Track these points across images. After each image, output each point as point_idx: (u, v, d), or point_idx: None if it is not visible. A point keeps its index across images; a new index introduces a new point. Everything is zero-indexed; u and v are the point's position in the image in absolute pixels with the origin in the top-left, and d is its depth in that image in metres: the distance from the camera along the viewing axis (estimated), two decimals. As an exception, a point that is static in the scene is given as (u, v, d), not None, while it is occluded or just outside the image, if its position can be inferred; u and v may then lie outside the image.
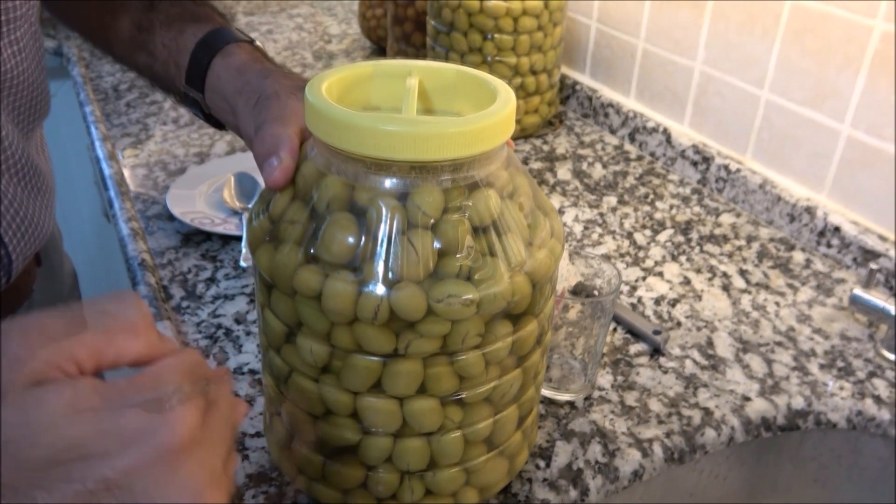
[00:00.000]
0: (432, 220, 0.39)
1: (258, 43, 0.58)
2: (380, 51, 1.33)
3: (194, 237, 0.79)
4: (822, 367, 0.65)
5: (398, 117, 0.40)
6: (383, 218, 0.39)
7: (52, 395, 0.26)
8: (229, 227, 0.79)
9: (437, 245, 0.39)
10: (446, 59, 0.99)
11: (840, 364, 0.65)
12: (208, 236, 0.79)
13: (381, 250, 0.39)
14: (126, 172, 0.92)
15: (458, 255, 0.39)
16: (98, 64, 1.24)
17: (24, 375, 0.27)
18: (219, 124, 0.59)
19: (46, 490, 0.25)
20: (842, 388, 0.63)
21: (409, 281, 0.39)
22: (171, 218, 0.81)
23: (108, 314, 0.29)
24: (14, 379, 0.26)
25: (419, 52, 1.15)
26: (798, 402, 0.61)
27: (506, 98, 0.41)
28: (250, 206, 0.82)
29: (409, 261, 0.39)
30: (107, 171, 0.92)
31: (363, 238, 0.39)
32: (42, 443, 0.26)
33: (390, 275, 0.39)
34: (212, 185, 0.87)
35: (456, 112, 0.46)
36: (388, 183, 0.39)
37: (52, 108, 0.61)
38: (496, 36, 0.94)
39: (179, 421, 0.27)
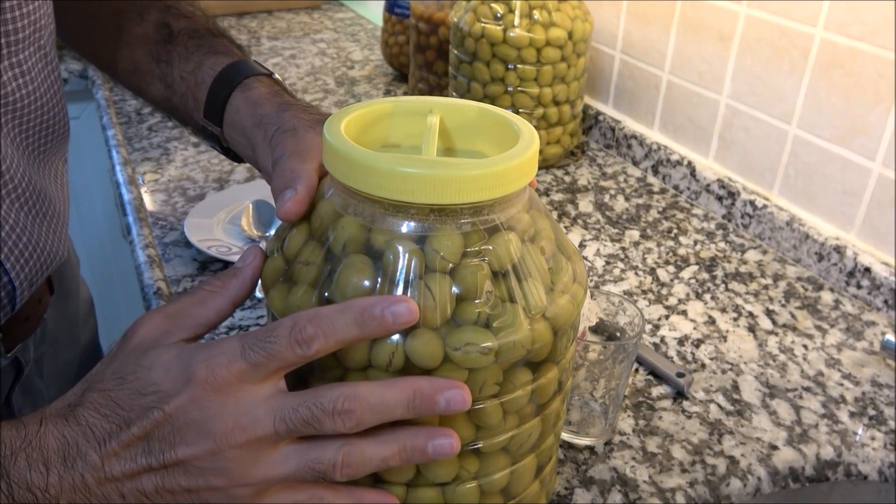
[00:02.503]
0: (451, 265, 0.38)
1: (277, 75, 0.57)
2: (402, 78, 1.33)
3: (211, 265, 0.78)
4: (852, 414, 0.63)
5: (417, 159, 0.39)
6: (400, 261, 0.38)
7: (157, 354, 0.38)
8: (246, 256, 0.78)
9: (455, 290, 0.38)
10: (468, 88, 0.98)
11: (871, 412, 0.63)
12: (225, 264, 0.78)
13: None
14: (145, 197, 0.92)
15: (476, 301, 0.38)
16: (122, 87, 1.25)
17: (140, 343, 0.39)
18: (237, 157, 0.58)
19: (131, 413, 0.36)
20: (873, 438, 0.60)
21: (426, 327, 0.37)
22: (189, 244, 0.81)
23: (184, 300, 0.41)
24: (135, 343, 0.39)
25: (441, 80, 1.14)
26: (827, 452, 0.59)
27: (529, 139, 0.40)
28: (268, 234, 0.82)
29: (425, 306, 0.37)
30: (126, 197, 0.92)
31: (379, 282, 0.38)
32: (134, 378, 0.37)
33: (406, 321, 0.37)
34: (230, 212, 0.86)
35: (477, 152, 0.45)
36: (406, 226, 0.38)
37: (76, 131, 0.60)
38: (519, 66, 0.94)
39: (218, 363, 0.35)
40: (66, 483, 0.35)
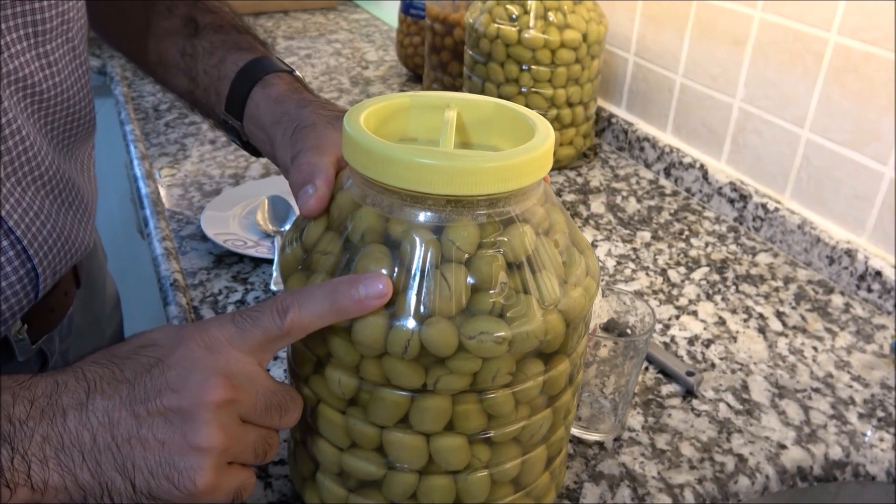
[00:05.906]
0: (466, 255, 0.39)
1: (298, 73, 0.58)
2: (416, 78, 1.34)
3: (226, 258, 0.79)
4: (861, 416, 0.63)
5: (435, 151, 0.40)
6: (417, 251, 0.38)
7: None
8: (261, 250, 0.79)
9: (470, 280, 0.39)
10: (482, 88, 0.99)
11: (880, 414, 0.63)
12: (240, 258, 0.79)
13: (414, 284, 0.38)
14: (162, 191, 0.93)
15: (491, 292, 0.39)
16: (140, 84, 1.27)
17: None
18: (255, 151, 0.59)
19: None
20: (881, 440, 0.61)
21: (441, 316, 0.38)
22: (205, 238, 0.82)
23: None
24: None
25: (455, 80, 1.15)
26: (836, 452, 0.59)
27: (544, 134, 0.41)
28: (283, 229, 0.83)
29: (441, 295, 0.38)
30: (143, 190, 0.93)
31: (396, 271, 0.39)
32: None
33: (422, 309, 0.38)
34: (246, 207, 0.87)
35: (493, 146, 0.46)
36: (423, 216, 0.39)
37: (92, 126, 0.61)
38: (533, 67, 0.94)
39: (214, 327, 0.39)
40: (46, 417, 0.36)
